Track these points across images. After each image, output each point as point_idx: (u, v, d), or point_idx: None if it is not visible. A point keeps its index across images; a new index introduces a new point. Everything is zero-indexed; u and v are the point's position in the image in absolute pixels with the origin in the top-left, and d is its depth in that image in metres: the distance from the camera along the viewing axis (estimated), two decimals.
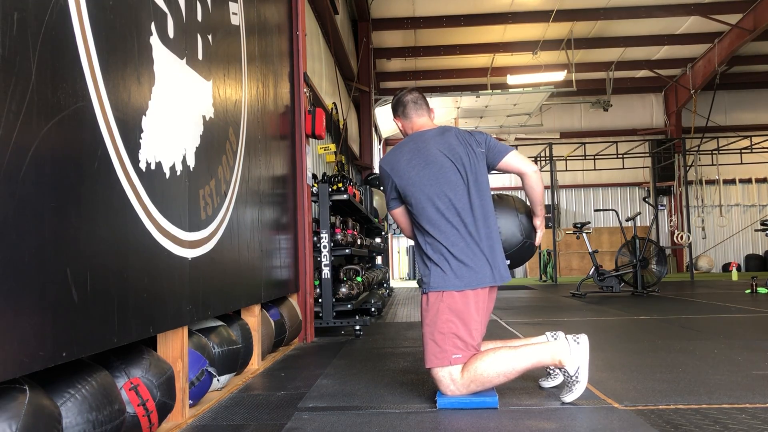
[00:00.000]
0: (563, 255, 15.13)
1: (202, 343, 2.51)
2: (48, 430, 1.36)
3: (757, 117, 16.81)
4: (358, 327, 4.63)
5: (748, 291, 8.23)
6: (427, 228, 2.51)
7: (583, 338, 2.43)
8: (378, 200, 7.93)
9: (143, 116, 1.92)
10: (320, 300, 4.66)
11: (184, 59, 2.31)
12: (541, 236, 2.91)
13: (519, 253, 2.90)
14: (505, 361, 2.37)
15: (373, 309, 5.86)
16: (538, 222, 2.88)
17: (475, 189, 2.53)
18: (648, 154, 15.75)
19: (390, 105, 2.89)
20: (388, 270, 11.00)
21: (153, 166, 1.97)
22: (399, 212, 2.71)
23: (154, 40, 2.03)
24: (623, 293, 8.31)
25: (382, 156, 16.45)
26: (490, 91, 13.42)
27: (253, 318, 3.22)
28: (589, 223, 9.10)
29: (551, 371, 2.68)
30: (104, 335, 1.64)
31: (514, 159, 2.65)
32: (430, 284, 2.48)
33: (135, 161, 1.85)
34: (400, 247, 17.13)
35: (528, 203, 2.90)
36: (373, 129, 12.52)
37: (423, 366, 3.22)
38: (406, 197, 2.58)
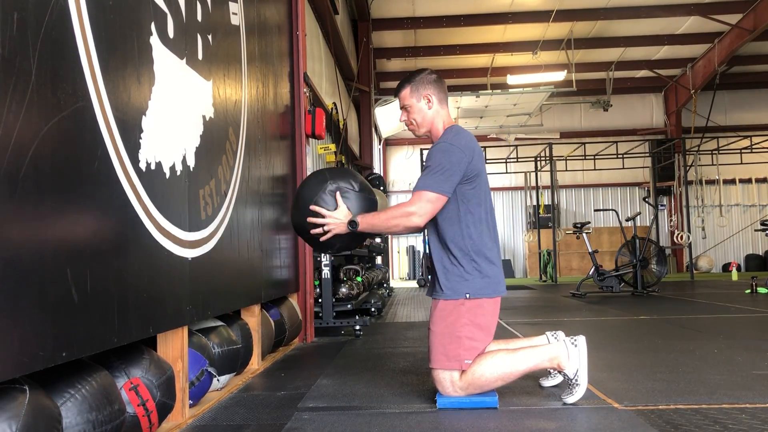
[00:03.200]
0: (563, 255, 15.12)
1: (202, 343, 2.51)
2: (48, 430, 1.36)
3: (757, 117, 16.79)
4: (358, 327, 4.63)
5: (748, 291, 8.22)
6: (475, 226, 2.44)
7: (581, 340, 2.43)
8: (378, 200, 7.92)
9: (143, 116, 1.92)
10: (320, 300, 4.66)
11: (184, 59, 2.31)
12: (325, 226, 2.43)
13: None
14: (503, 364, 2.37)
15: (373, 309, 5.86)
16: (352, 217, 2.43)
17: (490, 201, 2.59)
18: (648, 154, 15.74)
19: (412, 84, 2.53)
20: (388, 270, 11.00)
21: (153, 166, 1.97)
22: (445, 200, 2.40)
23: (154, 40, 2.03)
24: (623, 293, 8.30)
25: (382, 156, 16.44)
26: (490, 91, 13.40)
27: (253, 318, 3.22)
28: (589, 223, 9.09)
29: (551, 370, 2.68)
30: (104, 335, 1.64)
31: (416, 195, 2.41)
32: (458, 290, 2.41)
33: (135, 161, 1.85)
34: (400, 247, 17.12)
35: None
36: (373, 129, 12.51)
37: (423, 366, 3.23)
38: (468, 187, 2.42)
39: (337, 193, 2.45)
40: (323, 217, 2.43)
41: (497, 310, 2.49)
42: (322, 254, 4.62)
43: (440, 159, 2.39)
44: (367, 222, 2.43)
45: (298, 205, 2.51)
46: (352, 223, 2.42)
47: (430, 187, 2.37)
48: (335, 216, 2.43)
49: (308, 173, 4.47)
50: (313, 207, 2.43)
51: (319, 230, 2.44)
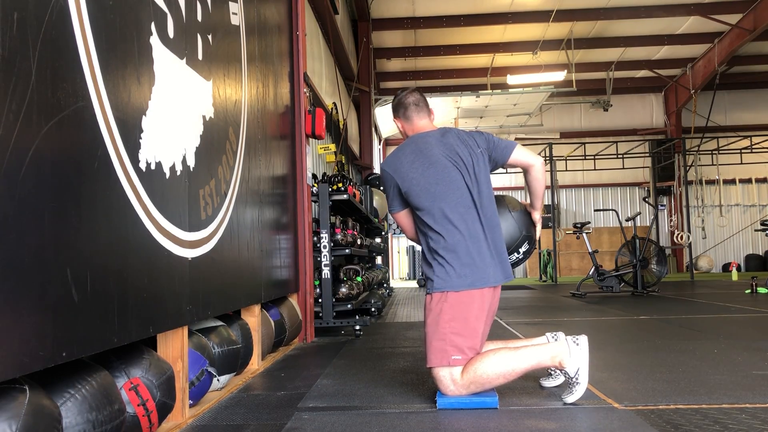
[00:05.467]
0: (563, 255, 15.13)
1: (202, 343, 2.51)
2: (48, 430, 1.36)
3: (757, 117, 16.79)
4: (358, 327, 4.63)
5: (748, 291, 8.22)
6: (434, 227, 2.51)
7: (583, 339, 2.43)
8: (378, 200, 7.93)
9: (143, 116, 1.92)
10: (320, 300, 4.66)
11: (184, 59, 2.31)
12: (540, 230, 2.90)
13: (520, 248, 2.90)
14: (505, 362, 2.37)
15: (373, 309, 5.86)
16: (537, 216, 2.86)
17: (476, 189, 2.55)
18: (648, 154, 15.74)
19: (390, 105, 2.90)
20: (388, 270, 11.00)
21: (153, 166, 1.97)
22: (402, 215, 2.69)
23: (154, 40, 2.03)
24: (623, 293, 8.31)
25: (382, 157, 16.44)
26: (490, 91, 13.40)
27: (253, 318, 3.22)
28: (589, 223, 9.10)
29: (552, 371, 2.68)
30: (104, 335, 1.64)
31: (521, 153, 2.68)
32: (434, 285, 2.49)
33: (135, 161, 1.85)
34: (400, 247, 17.12)
35: (526, 199, 2.92)
36: (373, 129, 12.51)
37: (423, 366, 3.22)
38: (410, 199, 2.58)
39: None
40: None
41: (484, 303, 2.47)
42: (323, 254, 4.63)
43: (382, 182, 2.74)
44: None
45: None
46: None
47: (388, 209, 2.75)
48: None
49: (308, 173, 4.48)
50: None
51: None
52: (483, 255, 2.49)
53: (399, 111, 2.76)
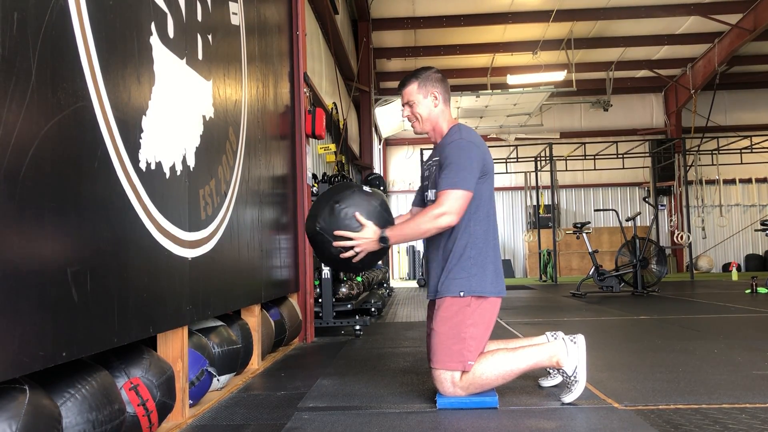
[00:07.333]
0: (563, 255, 15.11)
1: (202, 343, 2.51)
2: (48, 430, 1.36)
3: (757, 117, 16.78)
4: (358, 327, 4.63)
5: (748, 291, 8.22)
6: (482, 225, 2.45)
7: (580, 338, 2.44)
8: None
9: (143, 116, 1.92)
10: (320, 300, 4.66)
11: (184, 59, 2.31)
12: (356, 248, 2.40)
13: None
14: (503, 363, 2.37)
15: (373, 309, 5.86)
16: (371, 232, 2.39)
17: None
18: (648, 154, 15.73)
19: (419, 81, 2.53)
20: (388, 270, 10.99)
21: (153, 166, 1.97)
22: (471, 196, 2.39)
23: (154, 40, 2.03)
24: (623, 293, 8.30)
25: (382, 157, 16.44)
26: (490, 91, 13.39)
27: (253, 318, 3.22)
28: (589, 223, 9.09)
29: (550, 370, 2.68)
30: (104, 335, 1.64)
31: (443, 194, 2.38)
32: (464, 287, 2.40)
33: (135, 161, 1.85)
34: (400, 247, 17.09)
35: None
36: (373, 129, 12.51)
37: (423, 366, 3.23)
38: (481, 186, 2.42)
39: (357, 213, 2.39)
40: (350, 239, 2.38)
41: (498, 309, 2.50)
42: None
43: (460, 156, 2.39)
44: (397, 235, 2.40)
45: (322, 237, 2.43)
46: (383, 239, 2.39)
47: (457, 185, 2.35)
48: (364, 236, 2.38)
49: (308, 173, 4.48)
50: (337, 232, 2.39)
51: (350, 253, 2.40)
52: (501, 264, 2.53)
53: (445, 86, 2.57)
